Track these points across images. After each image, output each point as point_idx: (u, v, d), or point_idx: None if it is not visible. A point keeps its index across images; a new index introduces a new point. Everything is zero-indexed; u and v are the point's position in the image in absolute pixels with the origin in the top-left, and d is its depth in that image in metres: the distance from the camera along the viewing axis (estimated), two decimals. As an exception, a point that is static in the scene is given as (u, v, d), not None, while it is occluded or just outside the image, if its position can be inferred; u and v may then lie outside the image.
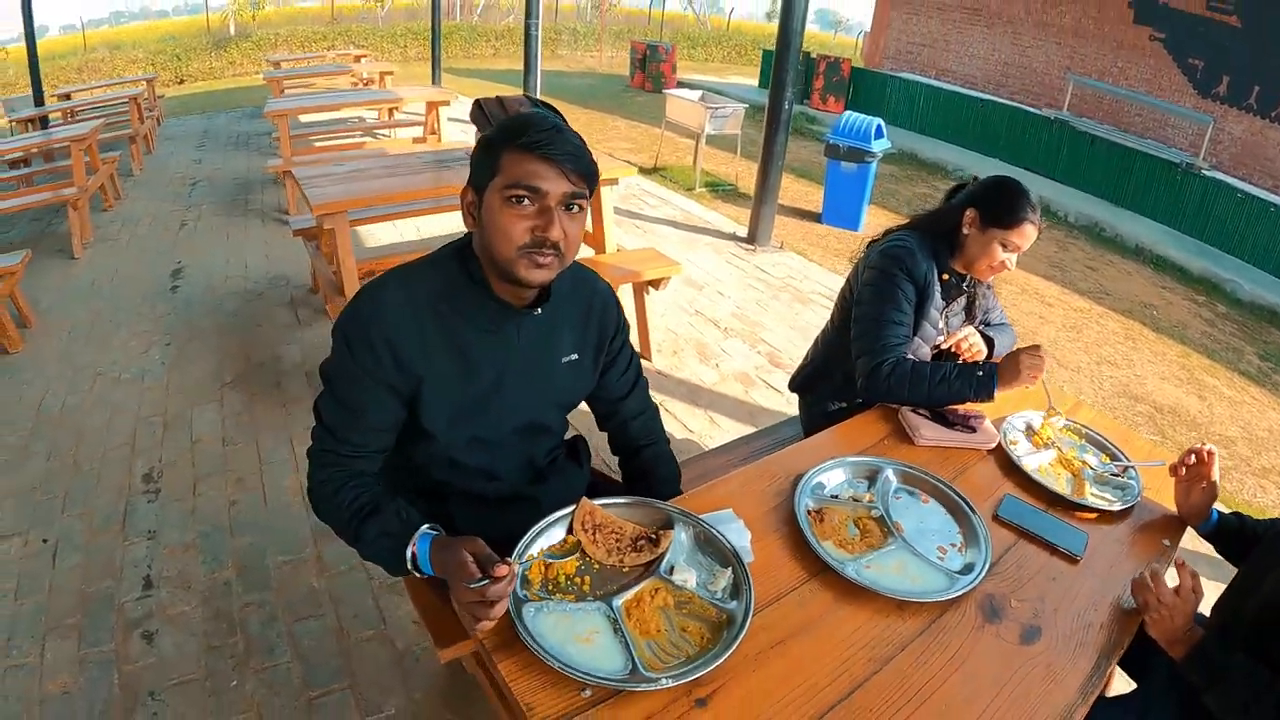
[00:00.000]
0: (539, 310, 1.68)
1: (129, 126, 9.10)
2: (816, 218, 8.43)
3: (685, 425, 4.05)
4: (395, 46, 21.71)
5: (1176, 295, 8.22)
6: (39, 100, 9.93)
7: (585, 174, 1.54)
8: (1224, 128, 11.89)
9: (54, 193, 6.33)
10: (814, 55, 14.88)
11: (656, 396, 4.00)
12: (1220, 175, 10.74)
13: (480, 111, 4.15)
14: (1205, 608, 1.87)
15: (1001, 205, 2.40)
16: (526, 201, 1.50)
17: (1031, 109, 12.90)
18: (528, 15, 9.41)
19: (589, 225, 4.71)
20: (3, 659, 2.61)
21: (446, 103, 8.38)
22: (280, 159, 7.07)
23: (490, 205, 1.53)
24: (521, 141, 1.49)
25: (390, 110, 9.63)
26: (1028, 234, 2.38)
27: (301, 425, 3.92)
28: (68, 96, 10.45)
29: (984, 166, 11.35)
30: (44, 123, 9.11)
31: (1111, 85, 13.12)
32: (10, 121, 10.06)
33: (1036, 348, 2.25)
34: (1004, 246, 2.40)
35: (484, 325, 1.65)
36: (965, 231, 2.47)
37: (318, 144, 8.73)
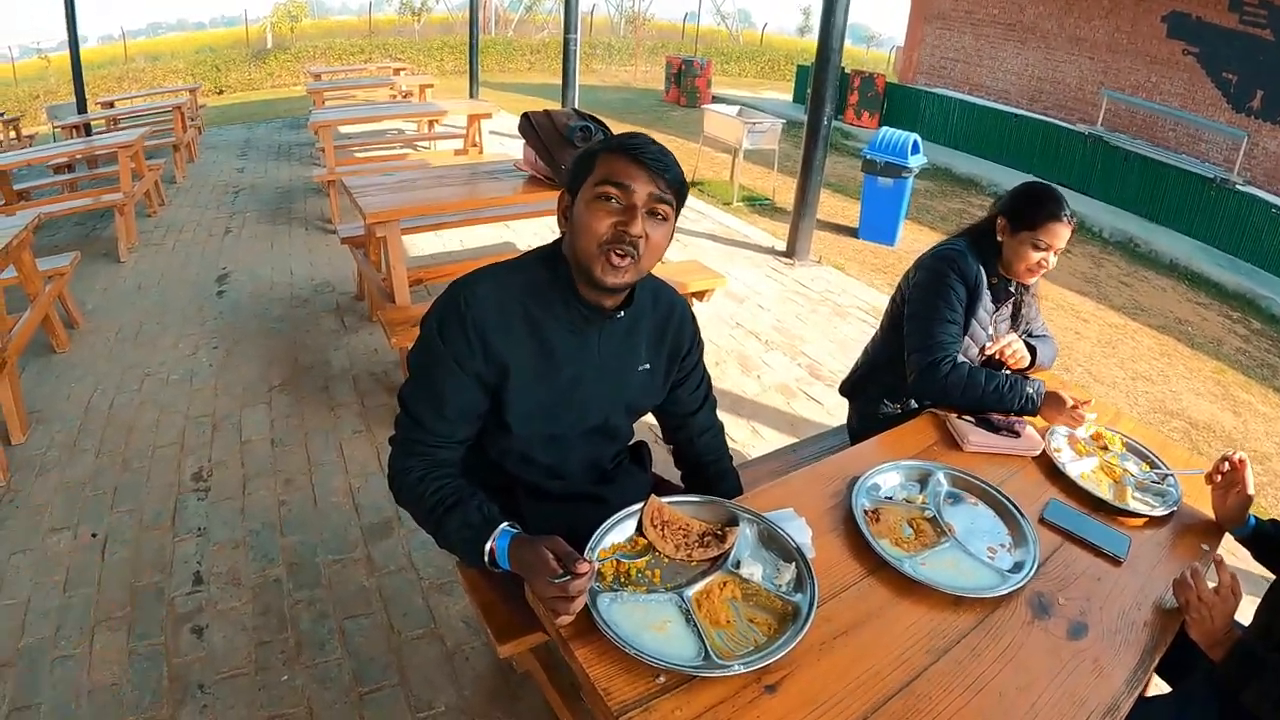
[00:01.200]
0: (621, 314, 1.75)
1: (172, 135, 9.24)
2: (853, 232, 8.45)
3: (729, 435, 4.06)
4: (431, 60, 21.93)
5: (1211, 311, 8.17)
6: (82, 108, 10.11)
7: (673, 182, 1.62)
8: (1258, 142, 11.80)
9: (101, 198, 6.46)
10: (848, 71, 14.87)
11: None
12: (1255, 190, 10.65)
13: (529, 124, 4.22)
14: (1243, 618, 1.91)
15: (1026, 209, 2.50)
16: (614, 200, 1.58)
17: (1065, 124, 12.86)
18: (566, 30, 9.49)
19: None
20: (51, 650, 2.64)
21: (489, 115, 8.45)
22: (324, 169, 7.15)
23: (580, 203, 1.62)
24: (616, 143, 1.60)
25: (430, 123, 9.71)
26: (1055, 231, 2.46)
27: (349, 429, 3.98)
28: (110, 104, 10.61)
29: (1017, 182, 11.32)
30: (87, 130, 9.28)
31: (1145, 100, 13.05)
32: (54, 127, 10.27)
33: (1085, 405, 2.32)
34: (1035, 247, 2.49)
35: (568, 326, 1.72)
36: (1000, 239, 2.57)
37: (359, 155, 8.81)
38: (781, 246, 7.43)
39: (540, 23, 28.63)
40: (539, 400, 1.73)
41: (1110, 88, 13.39)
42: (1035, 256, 2.49)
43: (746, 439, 4.14)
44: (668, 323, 1.91)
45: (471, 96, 13.18)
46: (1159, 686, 2.15)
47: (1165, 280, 8.99)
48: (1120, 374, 5.97)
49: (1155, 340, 6.88)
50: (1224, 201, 10.36)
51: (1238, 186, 10.53)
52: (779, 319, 5.83)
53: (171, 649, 2.67)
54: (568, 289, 1.69)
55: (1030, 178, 12.01)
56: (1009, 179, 11.27)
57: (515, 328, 1.67)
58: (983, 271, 2.57)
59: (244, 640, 2.72)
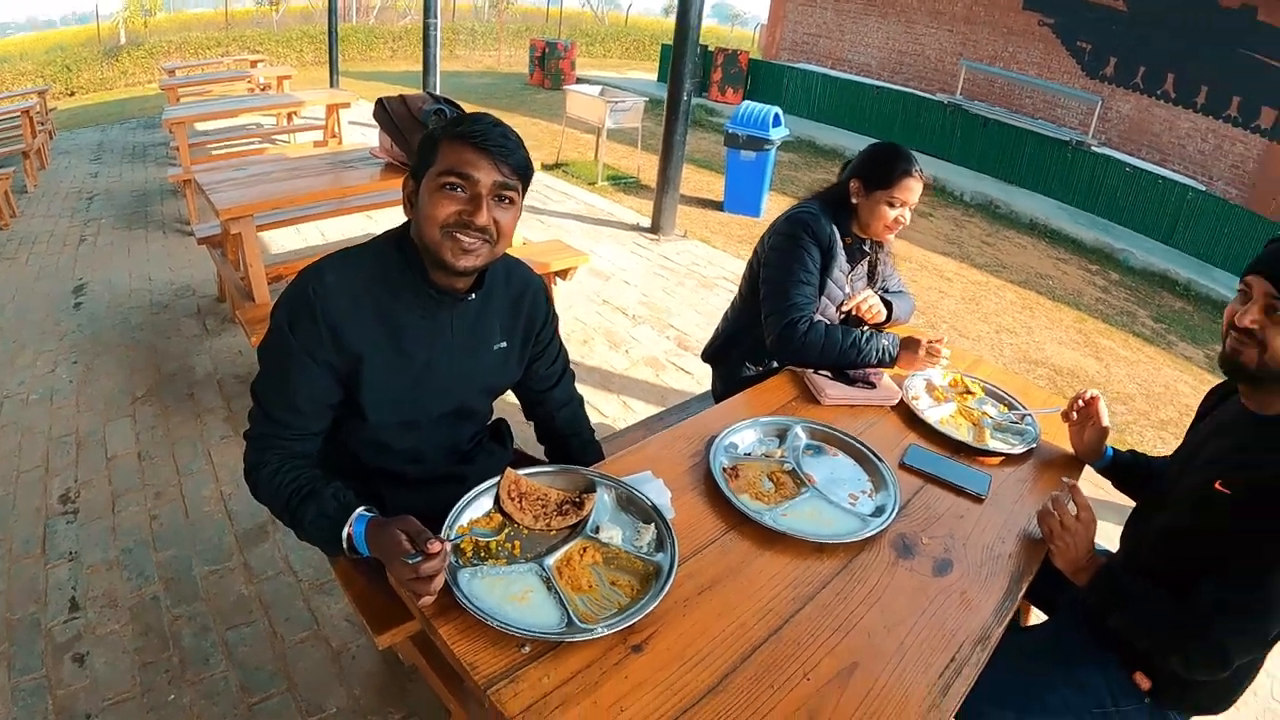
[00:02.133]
0: (472, 296, 1.74)
1: (21, 141, 8.77)
2: (718, 206, 8.57)
3: (599, 410, 4.11)
4: (291, 51, 21.27)
5: (1071, 266, 8.54)
6: (-73, 118, 9.53)
7: (517, 167, 1.62)
8: (1112, 106, 12.41)
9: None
10: (711, 48, 15.09)
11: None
12: (1109, 151, 11.24)
13: (383, 110, 4.14)
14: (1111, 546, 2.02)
15: (878, 169, 2.57)
16: (460, 189, 1.57)
17: (925, 94, 13.30)
18: (426, 14, 9.28)
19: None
20: (-70, 696, 2.51)
21: (347, 105, 8.28)
22: (180, 168, 6.89)
23: (424, 191, 1.59)
24: (459, 130, 1.57)
25: (289, 115, 9.43)
26: (909, 187, 2.54)
27: (217, 435, 3.86)
28: (-48, 114, 10.02)
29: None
30: (-71, 142, 8.75)
31: (1003, 69, 13.58)
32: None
33: (938, 344, 2.42)
34: (891, 205, 2.56)
35: (419, 311, 1.70)
36: (854, 201, 2.62)
37: (216, 152, 8.51)
38: (647, 223, 7.50)
39: (402, 9, 27.85)
40: (394, 387, 1.71)
41: (969, 58, 13.87)
42: (892, 214, 2.57)
43: (617, 413, 4.16)
44: (521, 300, 1.91)
45: (332, 87, 12.86)
46: (1040, 618, 2.26)
47: (1026, 239, 9.36)
48: (985, 328, 6.20)
49: (1017, 295, 7.17)
50: (1080, 162, 10.88)
51: (1093, 148, 11.08)
52: (646, 294, 5.88)
53: (54, 680, 2.56)
54: (418, 273, 1.68)
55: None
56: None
57: (366, 315, 1.65)
58: (836, 232, 2.63)
59: (127, 663, 2.63)
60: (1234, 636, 1.54)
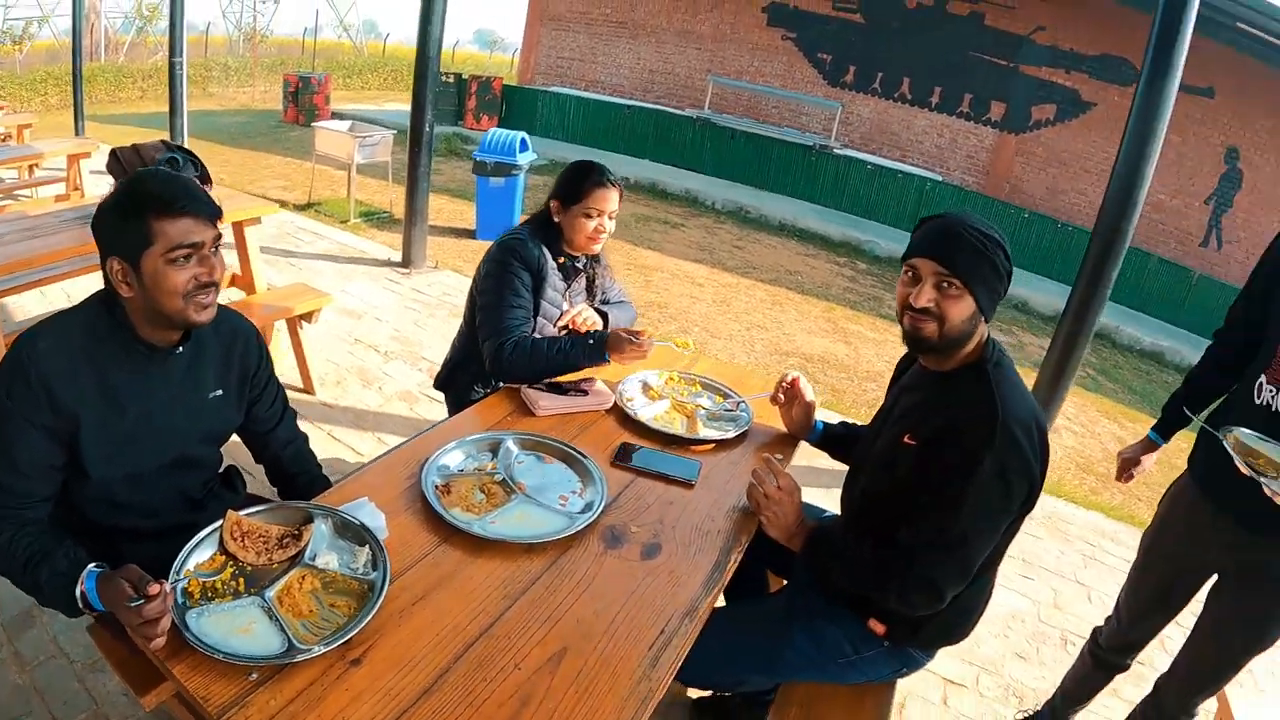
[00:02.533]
0: (180, 350, 1.84)
1: None
2: (472, 234, 8.64)
3: (354, 449, 4.10)
4: (35, 94, 19.51)
5: (819, 260, 9.14)
6: None
7: (219, 215, 1.76)
8: (853, 111, 13.43)
9: None
10: (466, 76, 15.17)
11: (324, 427, 4.05)
12: (852, 152, 12.20)
13: (116, 162, 4.03)
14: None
15: (570, 187, 2.80)
16: (191, 259, 1.69)
17: (676, 110, 13.91)
18: (171, 53, 8.83)
19: (238, 268, 4.70)
20: None
21: (88, 154, 7.84)
22: (-89, 235, 6.38)
23: (152, 270, 1.67)
24: (171, 210, 1.66)
25: (30, 168, 8.88)
26: (602, 196, 2.77)
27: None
28: None
29: (633, 168, 12.09)
30: None
31: (749, 83, 14.40)
32: None
33: (640, 332, 2.60)
34: (588, 216, 2.78)
35: (130, 367, 1.78)
36: (557, 220, 2.84)
37: (-46, 215, 7.93)
38: (398, 257, 7.44)
39: (154, 45, 26.00)
40: (111, 443, 1.77)
41: (717, 74, 14.61)
42: (590, 225, 2.79)
43: (373, 449, 4.13)
44: (232, 347, 2.01)
45: (76, 134, 11.98)
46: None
47: (776, 240, 9.95)
48: (736, 326, 6.61)
49: (767, 292, 7.65)
50: (825, 165, 11.74)
51: (836, 150, 11.96)
52: (397, 329, 5.88)
53: None
54: (128, 333, 1.76)
55: (645, 163, 12.82)
56: (624, 166, 11.92)
57: (80, 376, 1.71)
58: (546, 253, 2.82)
59: (-92, 776, 2.48)
60: (935, 570, 1.77)
